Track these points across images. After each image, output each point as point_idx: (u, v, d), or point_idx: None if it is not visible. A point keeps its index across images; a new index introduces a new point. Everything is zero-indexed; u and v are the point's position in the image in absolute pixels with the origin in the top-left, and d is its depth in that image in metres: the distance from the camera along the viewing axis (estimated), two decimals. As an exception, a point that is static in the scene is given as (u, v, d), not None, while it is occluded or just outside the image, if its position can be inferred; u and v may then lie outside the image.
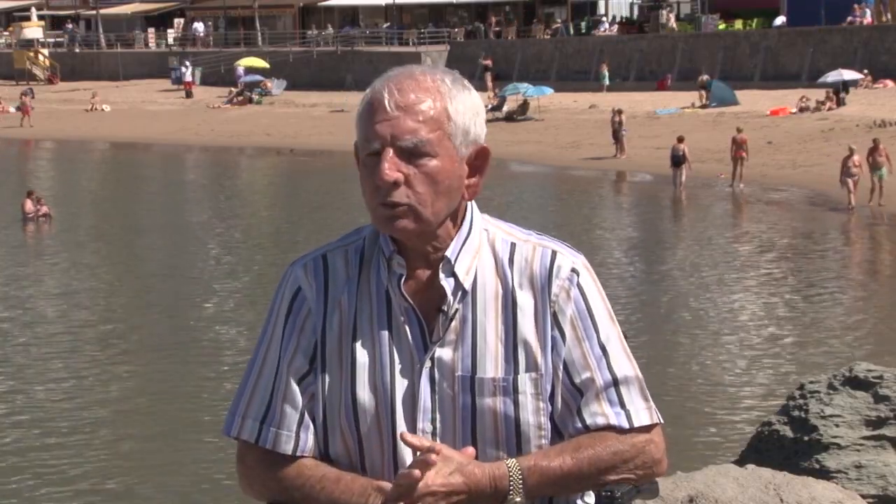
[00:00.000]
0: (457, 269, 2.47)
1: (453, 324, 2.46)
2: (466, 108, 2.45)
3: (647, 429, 2.46)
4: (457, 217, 2.49)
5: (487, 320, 2.46)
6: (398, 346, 2.46)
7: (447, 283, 2.46)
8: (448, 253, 2.47)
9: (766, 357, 14.97)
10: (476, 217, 2.52)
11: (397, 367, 2.46)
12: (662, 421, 2.49)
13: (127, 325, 17.44)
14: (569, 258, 2.49)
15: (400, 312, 2.47)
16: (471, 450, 2.42)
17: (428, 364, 2.45)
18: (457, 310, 2.46)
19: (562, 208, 29.36)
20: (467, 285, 2.47)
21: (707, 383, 13.74)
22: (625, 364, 2.47)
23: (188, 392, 13.88)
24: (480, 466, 2.40)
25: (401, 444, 2.44)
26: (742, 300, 18.23)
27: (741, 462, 5.16)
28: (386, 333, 2.47)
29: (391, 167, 2.39)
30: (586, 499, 2.51)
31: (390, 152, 2.40)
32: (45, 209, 27.03)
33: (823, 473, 5.07)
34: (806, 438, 5.25)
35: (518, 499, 2.38)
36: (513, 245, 2.51)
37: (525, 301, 2.47)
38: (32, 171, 39.97)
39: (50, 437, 12.47)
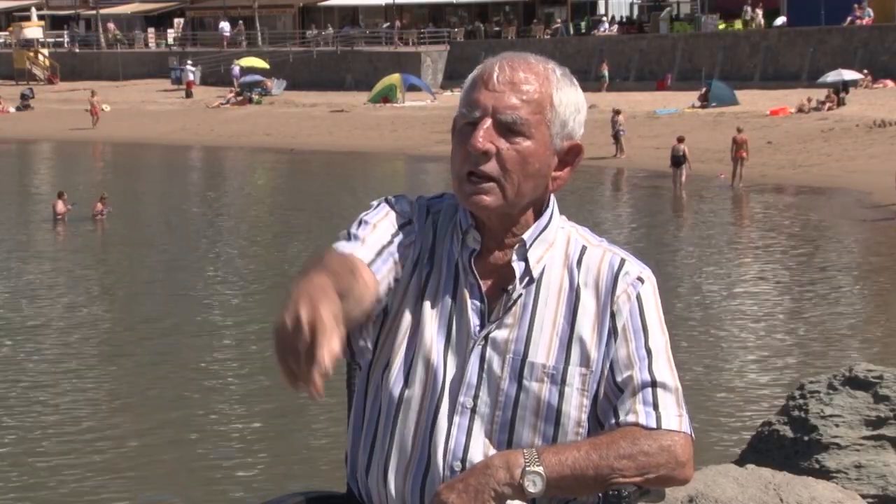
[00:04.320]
0: (529, 255, 2.52)
1: (514, 308, 2.50)
2: (570, 101, 2.51)
3: (675, 432, 2.48)
4: (539, 208, 2.56)
5: (547, 311, 2.50)
6: (458, 319, 2.50)
7: (517, 266, 2.51)
8: (525, 237, 2.52)
9: (766, 357, 14.97)
10: (556, 213, 2.60)
11: (453, 340, 2.50)
12: (693, 435, 2.52)
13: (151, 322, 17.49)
14: (636, 267, 2.55)
15: (465, 287, 2.51)
16: None
17: (482, 342, 2.48)
18: (520, 294, 2.50)
19: (560, 209, 29.30)
20: (535, 273, 2.51)
21: (707, 383, 13.73)
22: (666, 371, 2.50)
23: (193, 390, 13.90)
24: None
25: (440, 414, 2.47)
26: (742, 300, 18.23)
27: (741, 462, 5.16)
28: (450, 305, 2.51)
29: (485, 137, 2.45)
30: None
31: (488, 122, 2.45)
32: (105, 208, 26.90)
33: (823, 473, 5.07)
34: (806, 438, 5.25)
35: (537, 468, 2.38)
36: (584, 247, 2.57)
37: (588, 300, 2.51)
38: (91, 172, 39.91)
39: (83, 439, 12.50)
